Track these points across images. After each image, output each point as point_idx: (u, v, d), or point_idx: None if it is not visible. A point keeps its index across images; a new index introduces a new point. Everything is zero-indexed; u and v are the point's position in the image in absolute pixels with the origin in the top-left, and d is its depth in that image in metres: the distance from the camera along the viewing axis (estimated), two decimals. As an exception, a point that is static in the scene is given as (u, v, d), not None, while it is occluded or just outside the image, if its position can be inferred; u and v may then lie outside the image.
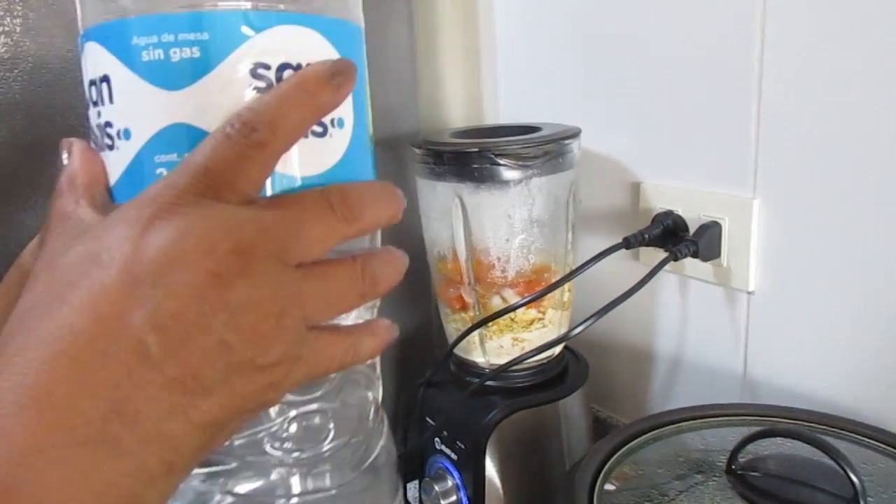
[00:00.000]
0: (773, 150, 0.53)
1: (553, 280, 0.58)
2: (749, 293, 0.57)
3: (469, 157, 0.55)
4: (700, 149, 0.58)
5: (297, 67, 0.25)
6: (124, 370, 0.20)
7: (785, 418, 0.50)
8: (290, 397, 0.29)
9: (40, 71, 0.51)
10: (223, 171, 0.22)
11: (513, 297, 0.59)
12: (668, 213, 0.59)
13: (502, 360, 0.58)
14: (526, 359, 0.56)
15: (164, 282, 0.20)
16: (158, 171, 0.25)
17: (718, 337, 0.60)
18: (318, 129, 0.26)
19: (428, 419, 0.64)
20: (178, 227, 0.21)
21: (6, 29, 0.50)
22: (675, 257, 0.55)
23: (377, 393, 0.33)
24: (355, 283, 0.25)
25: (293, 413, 0.29)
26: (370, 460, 0.32)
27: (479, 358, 0.63)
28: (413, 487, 0.69)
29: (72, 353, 0.20)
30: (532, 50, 0.73)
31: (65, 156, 0.27)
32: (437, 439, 0.62)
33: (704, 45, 0.56)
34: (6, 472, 0.18)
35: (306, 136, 0.26)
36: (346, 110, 0.27)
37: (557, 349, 0.64)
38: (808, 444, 0.41)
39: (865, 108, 0.47)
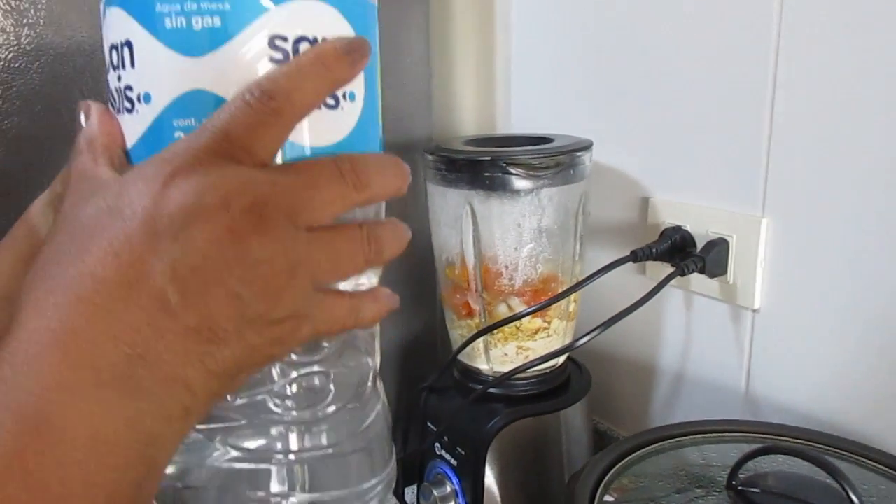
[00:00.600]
0: (784, 169, 0.53)
1: (560, 290, 0.58)
2: (754, 311, 0.57)
3: (481, 165, 0.55)
4: (710, 165, 0.58)
5: (314, 41, 0.26)
6: (145, 317, 0.21)
7: (786, 436, 0.50)
8: (293, 358, 0.30)
9: (62, 63, 0.52)
10: (240, 135, 0.23)
11: (519, 306, 0.59)
12: (677, 229, 0.60)
13: (506, 368, 0.59)
14: (530, 367, 0.56)
15: (184, 236, 0.21)
16: (176, 134, 0.25)
17: (722, 353, 0.61)
18: (331, 101, 0.27)
19: (429, 424, 0.64)
20: (196, 184, 0.22)
21: (30, 21, 0.51)
22: (681, 272, 0.55)
23: (376, 361, 0.34)
24: (361, 248, 0.26)
25: (295, 374, 0.30)
26: (366, 424, 0.33)
27: (482, 365, 0.63)
28: (411, 492, 0.69)
29: (95, 299, 0.21)
30: (546, 62, 0.73)
31: (83, 117, 0.28)
32: (437, 444, 0.63)
33: (718, 63, 0.56)
34: (35, 407, 0.19)
35: (319, 108, 0.26)
36: (357, 85, 0.28)
37: (561, 359, 0.64)
38: (810, 462, 0.41)
39: (877, 131, 0.47)
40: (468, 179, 0.56)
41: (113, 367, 0.20)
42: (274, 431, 0.30)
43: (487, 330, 0.59)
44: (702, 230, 0.58)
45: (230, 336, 0.22)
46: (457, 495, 0.61)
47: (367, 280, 0.31)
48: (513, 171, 0.55)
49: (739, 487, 0.44)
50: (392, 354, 0.78)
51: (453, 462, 0.61)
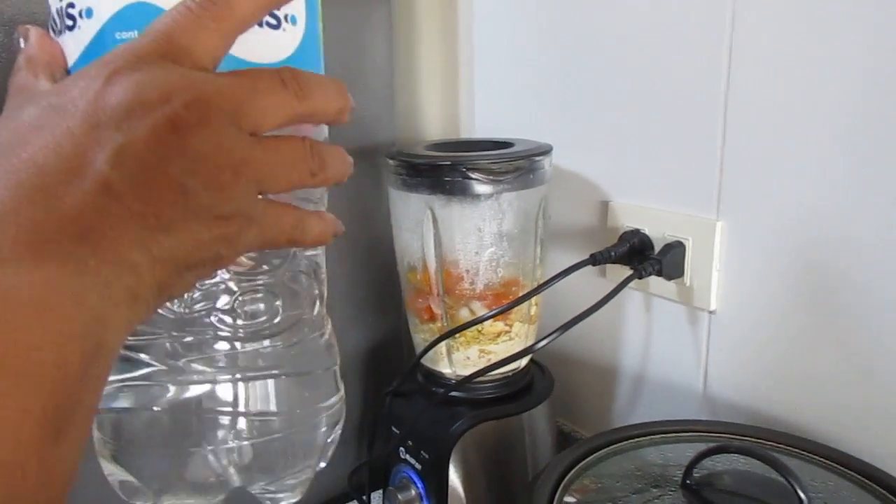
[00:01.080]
0: (737, 174, 0.54)
1: (521, 294, 0.59)
2: (711, 312, 0.58)
3: (441, 170, 0.56)
4: (667, 170, 0.59)
5: None
6: (88, 199, 0.21)
7: (740, 435, 0.51)
8: (239, 269, 0.31)
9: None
10: (181, 38, 0.23)
11: (481, 310, 0.59)
12: (635, 232, 0.61)
13: (469, 372, 0.59)
14: (492, 370, 0.56)
15: (125, 126, 0.21)
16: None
17: (680, 354, 0.62)
18: (273, 21, 0.28)
19: (393, 428, 0.64)
20: (138, 80, 0.22)
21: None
22: (639, 275, 0.56)
23: (322, 288, 0.35)
24: (305, 159, 0.26)
25: (238, 289, 0.31)
26: (311, 350, 0.34)
27: (445, 369, 0.63)
28: (377, 496, 0.69)
29: (35, 181, 0.21)
30: (509, 67, 0.74)
31: (21, 41, 0.28)
32: (401, 448, 0.63)
33: (674, 71, 0.57)
34: None
35: (261, 27, 0.28)
36: (299, 9, 0.30)
37: (523, 362, 0.65)
38: (760, 460, 0.42)
39: (827, 135, 0.49)
40: (429, 184, 0.57)
41: (56, 244, 0.20)
42: (221, 350, 0.30)
43: (449, 334, 0.59)
44: (659, 233, 0.59)
45: (176, 224, 0.22)
46: (422, 499, 0.61)
47: (314, 207, 0.32)
48: (473, 175, 0.55)
49: (694, 486, 0.44)
50: (357, 359, 0.78)
51: (418, 466, 0.61)
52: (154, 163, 0.22)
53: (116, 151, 0.21)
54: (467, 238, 0.58)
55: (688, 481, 0.45)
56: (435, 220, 0.58)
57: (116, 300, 0.21)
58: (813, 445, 0.49)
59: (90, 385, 0.21)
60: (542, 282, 0.58)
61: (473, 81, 0.78)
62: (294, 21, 0.29)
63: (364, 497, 0.69)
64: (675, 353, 0.62)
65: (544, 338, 0.53)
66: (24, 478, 0.19)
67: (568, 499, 0.46)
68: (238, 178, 0.23)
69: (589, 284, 0.66)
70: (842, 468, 0.47)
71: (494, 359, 0.60)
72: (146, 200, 0.22)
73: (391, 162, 0.59)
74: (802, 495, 0.39)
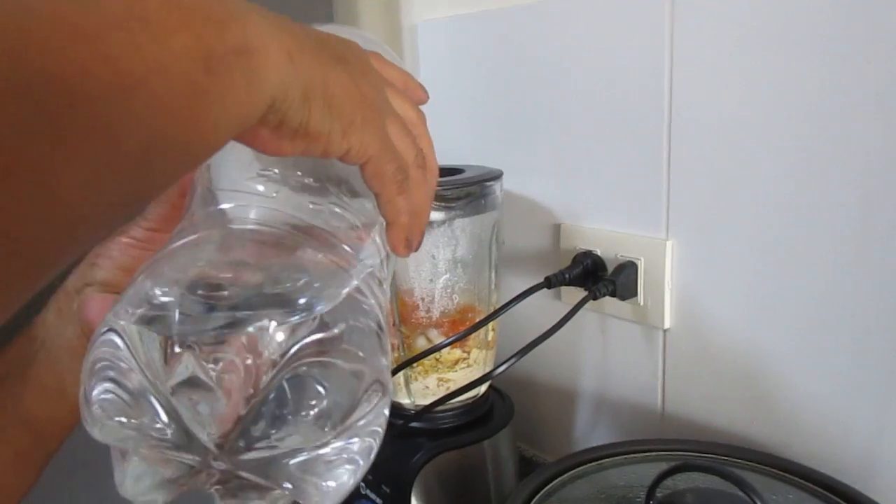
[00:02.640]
0: (684, 194, 0.55)
1: (477, 320, 0.59)
2: (665, 330, 0.59)
3: (393, 198, 0.55)
4: (616, 192, 0.60)
5: None
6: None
7: (700, 452, 0.51)
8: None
9: None
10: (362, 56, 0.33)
11: (437, 338, 0.59)
12: (588, 254, 0.61)
13: (428, 401, 0.58)
14: (451, 399, 0.56)
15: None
16: None
17: (637, 373, 0.62)
18: None
19: (353, 463, 0.63)
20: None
21: None
22: (594, 296, 0.57)
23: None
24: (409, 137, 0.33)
25: None
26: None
27: (404, 399, 0.62)
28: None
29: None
30: (457, 96, 0.74)
31: None
32: (361, 483, 0.61)
33: (618, 96, 0.58)
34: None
35: None
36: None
37: (483, 388, 0.64)
38: (720, 477, 0.42)
39: (767, 155, 0.50)
40: (380, 213, 0.56)
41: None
42: None
43: (407, 364, 0.58)
44: (611, 254, 0.60)
45: (337, 63, 0.28)
46: (384, 535, 0.59)
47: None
48: (425, 203, 0.55)
49: (657, 507, 0.44)
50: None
51: (378, 501, 0.60)
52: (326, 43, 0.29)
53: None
54: (421, 266, 0.58)
55: (651, 502, 0.44)
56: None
57: (274, 49, 0.25)
58: (771, 458, 0.50)
59: (234, 76, 0.23)
60: (497, 307, 0.58)
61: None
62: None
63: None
64: (633, 372, 0.62)
65: (503, 364, 0.53)
66: (173, 96, 0.20)
67: (533, 526, 0.45)
68: (376, 80, 0.32)
69: (545, 307, 0.66)
70: (798, 479, 0.47)
71: (453, 387, 0.60)
72: (336, 56, 0.29)
73: (342, 191, 0.58)
74: (763, 510, 0.39)
